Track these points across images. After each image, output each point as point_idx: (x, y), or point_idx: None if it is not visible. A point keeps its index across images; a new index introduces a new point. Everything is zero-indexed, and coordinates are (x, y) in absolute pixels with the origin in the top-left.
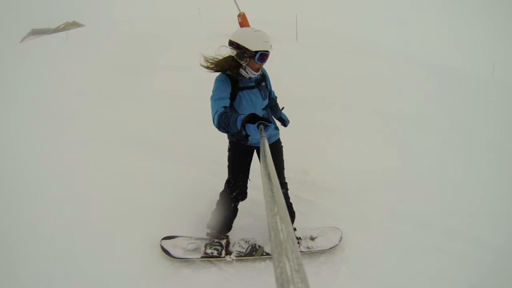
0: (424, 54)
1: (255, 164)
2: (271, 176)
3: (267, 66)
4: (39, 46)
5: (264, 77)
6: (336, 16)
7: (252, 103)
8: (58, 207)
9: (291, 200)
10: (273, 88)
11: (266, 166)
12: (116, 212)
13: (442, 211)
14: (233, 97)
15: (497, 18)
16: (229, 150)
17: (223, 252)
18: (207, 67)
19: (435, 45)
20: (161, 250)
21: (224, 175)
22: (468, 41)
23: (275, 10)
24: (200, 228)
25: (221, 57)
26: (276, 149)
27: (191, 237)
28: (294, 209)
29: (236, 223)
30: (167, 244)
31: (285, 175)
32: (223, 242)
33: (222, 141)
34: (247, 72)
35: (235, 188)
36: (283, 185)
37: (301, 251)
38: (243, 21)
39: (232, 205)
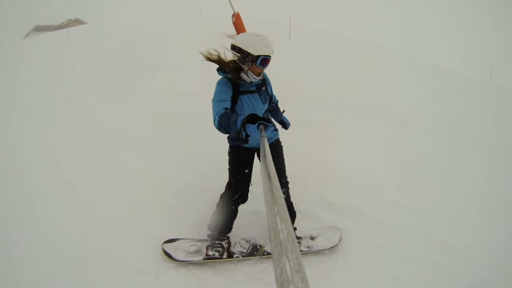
0: (422, 55)
1: (256, 167)
2: (271, 176)
3: (267, 70)
4: (41, 43)
5: (264, 82)
6: (332, 16)
7: (253, 107)
8: (58, 207)
9: (291, 199)
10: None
11: (266, 166)
12: (116, 213)
13: (441, 212)
14: (234, 101)
15: (495, 21)
16: (229, 153)
17: (225, 253)
18: (209, 57)
19: (433, 47)
20: (163, 253)
21: (225, 176)
22: (467, 44)
23: (269, 9)
24: (201, 229)
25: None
26: (276, 148)
27: (192, 239)
28: (295, 209)
29: (236, 223)
30: (169, 248)
31: (286, 175)
32: (224, 243)
33: (222, 142)
34: (248, 76)
35: (236, 191)
36: (284, 185)
37: (301, 251)
38: (237, 21)
39: (233, 207)
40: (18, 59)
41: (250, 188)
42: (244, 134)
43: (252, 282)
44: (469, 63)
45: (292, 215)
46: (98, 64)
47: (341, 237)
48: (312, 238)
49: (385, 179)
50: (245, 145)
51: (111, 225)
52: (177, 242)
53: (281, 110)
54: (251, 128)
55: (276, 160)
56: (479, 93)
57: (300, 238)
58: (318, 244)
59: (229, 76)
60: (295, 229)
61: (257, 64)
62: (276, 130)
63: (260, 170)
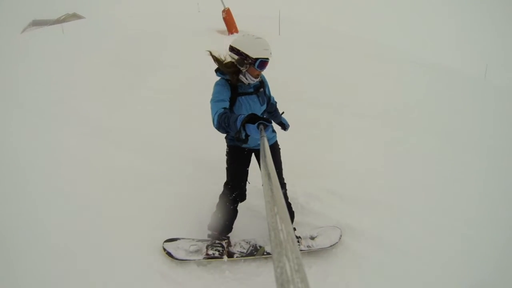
0: (420, 53)
1: (255, 166)
2: (271, 176)
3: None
4: (38, 38)
5: (262, 83)
6: (324, 12)
7: (251, 109)
8: (58, 207)
9: (289, 200)
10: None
11: (266, 166)
12: (116, 214)
13: (441, 211)
14: (232, 102)
15: (492, 20)
16: (227, 153)
17: (225, 253)
18: (213, 55)
19: (432, 45)
20: (163, 252)
21: (224, 177)
22: (463, 42)
23: (261, 5)
24: (201, 230)
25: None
26: (274, 151)
27: (192, 239)
28: (293, 209)
29: (236, 223)
30: (169, 246)
31: (284, 176)
32: (224, 243)
33: (221, 142)
34: (246, 78)
35: (234, 190)
36: (282, 186)
37: (301, 250)
38: (227, 17)
39: (232, 206)
40: (17, 55)
41: (248, 186)
42: (243, 134)
43: (250, 282)
44: (466, 61)
45: (291, 215)
46: (95, 61)
47: (341, 235)
48: (312, 238)
49: (384, 177)
50: (243, 145)
51: (110, 225)
52: (178, 241)
53: (281, 112)
54: (251, 128)
55: (274, 162)
56: (476, 92)
57: (300, 237)
58: (318, 243)
59: (227, 77)
60: (294, 229)
61: (256, 67)
62: (274, 132)
63: (260, 170)
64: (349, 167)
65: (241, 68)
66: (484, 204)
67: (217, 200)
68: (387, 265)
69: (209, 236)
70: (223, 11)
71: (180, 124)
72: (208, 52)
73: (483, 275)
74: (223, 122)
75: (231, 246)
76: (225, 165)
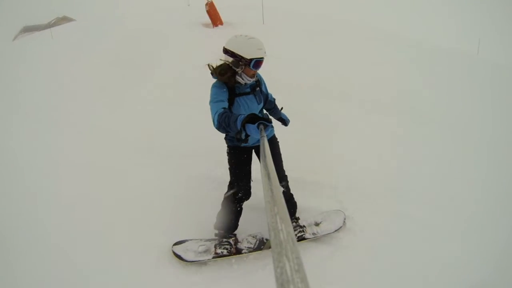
0: (408, 31)
1: (256, 163)
2: (271, 176)
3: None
4: (28, 45)
5: (258, 82)
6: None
7: (249, 108)
8: (58, 208)
9: (291, 191)
10: (269, 91)
11: (266, 166)
12: (116, 215)
13: (440, 209)
14: (230, 103)
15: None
16: (228, 153)
17: (233, 250)
18: (211, 69)
19: (420, 22)
20: (173, 255)
21: (225, 176)
22: (453, 18)
23: None
24: (208, 229)
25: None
26: (273, 144)
27: (200, 239)
28: (296, 199)
29: (242, 220)
30: (178, 249)
31: (284, 168)
32: (232, 240)
33: (222, 142)
34: (242, 79)
35: (239, 190)
36: (284, 178)
37: (307, 238)
38: (210, 10)
39: (237, 206)
40: (11, 63)
41: (252, 184)
42: (244, 134)
43: (261, 274)
44: (458, 37)
45: (293, 205)
46: (85, 63)
47: (345, 219)
48: (317, 224)
49: (385, 170)
50: (243, 145)
51: (111, 228)
52: (186, 243)
53: (280, 108)
54: (251, 128)
55: (274, 155)
56: (472, 71)
57: (304, 226)
58: (323, 229)
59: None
60: (298, 218)
61: (251, 67)
62: (272, 126)
63: (260, 169)
64: (348, 158)
65: (237, 70)
66: (484, 203)
67: (219, 199)
68: (387, 264)
69: (216, 235)
70: (206, 4)
71: (180, 123)
72: (207, 66)
73: (483, 275)
74: (223, 122)
75: (238, 242)
76: (227, 165)
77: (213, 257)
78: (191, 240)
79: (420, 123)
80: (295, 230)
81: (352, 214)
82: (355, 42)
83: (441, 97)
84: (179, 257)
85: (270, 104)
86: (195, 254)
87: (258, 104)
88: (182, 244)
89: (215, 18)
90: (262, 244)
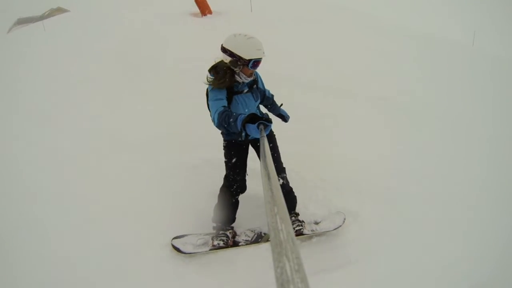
0: (402, 20)
1: (254, 158)
2: (271, 176)
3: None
4: (23, 38)
5: (255, 80)
6: None
7: (246, 105)
8: (57, 208)
9: (290, 185)
10: (266, 87)
11: (266, 167)
12: (117, 215)
13: (440, 209)
14: (228, 101)
15: None
16: (225, 147)
17: (230, 242)
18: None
19: (414, 11)
20: (172, 248)
21: (222, 170)
22: (448, 7)
23: None
24: (207, 224)
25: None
26: (270, 137)
27: (199, 234)
28: (295, 194)
29: (240, 214)
30: (177, 242)
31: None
32: (229, 233)
33: (218, 138)
34: (240, 77)
35: (234, 182)
36: (282, 170)
37: (305, 234)
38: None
39: (233, 199)
40: (6, 58)
41: (247, 177)
42: (244, 134)
43: (258, 265)
44: (451, 27)
45: (293, 199)
46: (77, 58)
47: (345, 219)
48: (317, 223)
49: (383, 168)
50: (239, 139)
51: (111, 227)
52: (185, 237)
53: (279, 104)
54: (251, 128)
55: (271, 148)
56: (468, 62)
57: (303, 221)
58: (322, 227)
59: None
60: (297, 214)
61: (249, 67)
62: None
63: (260, 168)
64: (349, 156)
65: (235, 69)
66: (485, 203)
67: (217, 192)
68: (386, 264)
69: (214, 228)
70: None
71: (179, 123)
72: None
73: (483, 275)
74: (223, 121)
75: (236, 235)
76: (223, 159)
77: (210, 249)
78: (190, 234)
79: (419, 121)
80: (293, 224)
81: (351, 213)
82: (348, 31)
83: (440, 92)
84: (177, 249)
85: (268, 101)
86: (193, 247)
87: (255, 101)
88: (181, 238)
89: (203, 7)
90: (259, 238)
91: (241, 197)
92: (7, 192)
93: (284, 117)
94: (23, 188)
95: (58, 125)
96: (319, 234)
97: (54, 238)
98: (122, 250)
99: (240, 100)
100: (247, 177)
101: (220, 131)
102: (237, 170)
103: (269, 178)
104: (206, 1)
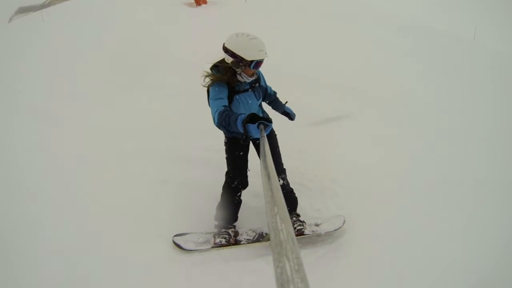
0: (401, 12)
1: (254, 156)
2: (271, 176)
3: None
4: (25, 29)
5: (257, 78)
6: None
7: (248, 105)
8: (57, 208)
9: (291, 186)
10: (268, 84)
11: (266, 167)
12: (117, 215)
13: (440, 208)
14: (229, 100)
15: None
16: (226, 143)
17: (231, 241)
18: (209, 78)
19: (414, 3)
20: (173, 245)
21: (223, 169)
22: (449, 1)
23: None
24: (208, 223)
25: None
26: (271, 137)
27: (201, 232)
28: (296, 195)
29: (242, 215)
30: (179, 240)
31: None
32: (231, 231)
33: (219, 136)
34: (242, 77)
35: (235, 178)
36: (283, 171)
37: (306, 234)
38: None
39: (235, 195)
40: (7, 49)
41: (249, 173)
42: (244, 136)
43: (259, 264)
44: (453, 21)
45: (294, 200)
46: (74, 51)
47: (344, 221)
48: (317, 225)
49: (385, 169)
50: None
51: (112, 226)
52: (187, 235)
53: (284, 102)
54: (251, 128)
55: (272, 149)
56: (469, 58)
57: (304, 222)
58: (323, 228)
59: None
60: (298, 215)
61: (251, 68)
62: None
63: (258, 157)
64: (349, 157)
65: (237, 70)
66: (485, 203)
67: (218, 196)
68: (386, 264)
69: (216, 226)
70: None
71: (179, 122)
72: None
73: (483, 275)
74: (223, 121)
75: (238, 235)
76: (223, 157)
77: (212, 247)
78: (192, 233)
79: (419, 121)
80: (294, 224)
81: (351, 213)
82: (344, 21)
83: (441, 91)
84: (178, 246)
85: (270, 98)
86: (194, 245)
87: (257, 100)
88: (183, 236)
89: None
90: (261, 237)
91: (243, 197)
92: (7, 192)
93: (289, 115)
94: (23, 188)
95: (58, 124)
96: (319, 235)
97: (54, 238)
98: (122, 250)
99: (241, 100)
100: (249, 174)
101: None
102: (238, 166)
103: (269, 178)
104: None
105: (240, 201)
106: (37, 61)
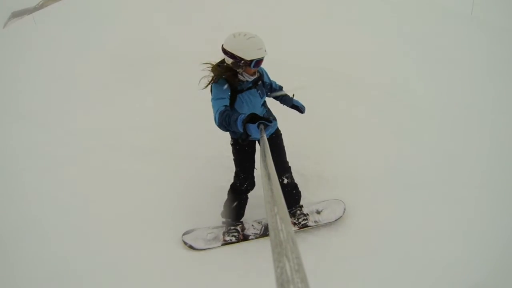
0: None
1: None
2: (271, 176)
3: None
4: (15, 34)
5: (260, 75)
6: None
7: (252, 103)
8: (57, 208)
9: (295, 181)
10: (272, 78)
11: (266, 167)
12: (117, 214)
13: (440, 208)
14: (233, 100)
15: None
16: (232, 145)
17: (241, 237)
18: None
19: None
20: (184, 245)
21: (224, 165)
22: None
23: None
24: (214, 217)
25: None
26: (276, 136)
27: (208, 227)
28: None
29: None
30: (188, 238)
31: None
32: (239, 228)
33: (222, 139)
34: (243, 77)
35: (245, 180)
36: (287, 169)
37: (309, 226)
38: None
39: (244, 196)
40: (4, 55)
41: (256, 173)
42: (244, 137)
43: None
44: None
45: (298, 194)
46: (69, 55)
47: (344, 209)
48: (318, 212)
49: (386, 166)
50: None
51: (111, 225)
52: (195, 232)
53: (291, 95)
54: (251, 128)
55: (277, 148)
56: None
57: (307, 214)
58: (324, 217)
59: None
60: (302, 206)
61: (251, 67)
62: (275, 119)
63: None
64: (348, 150)
65: (237, 70)
66: (485, 202)
67: (220, 186)
68: (386, 264)
69: (223, 223)
70: None
71: (180, 120)
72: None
73: (483, 275)
74: (223, 121)
75: (245, 229)
76: (231, 157)
77: (222, 244)
78: (199, 228)
79: (419, 115)
80: (299, 218)
81: (351, 210)
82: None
83: (437, 78)
84: (190, 246)
85: (275, 92)
86: (204, 242)
87: (261, 97)
88: (191, 233)
89: None
90: (267, 230)
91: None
92: (7, 193)
93: (299, 108)
94: (23, 188)
95: (58, 124)
96: (322, 225)
97: (54, 238)
98: (122, 249)
99: (244, 98)
100: (255, 172)
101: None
102: (246, 167)
103: (269, 178)
104: None
105: (247, 198)
106: (34, 65)
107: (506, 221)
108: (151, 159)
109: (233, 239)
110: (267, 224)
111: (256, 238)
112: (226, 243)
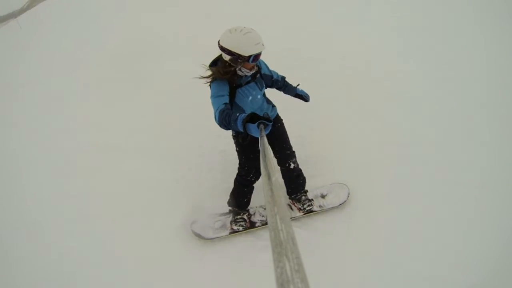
0: None
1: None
2: (271, 176)
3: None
4: (10, 35)
5: (258, 68)
6: None
7: (252, 96)
8: (57, 208)
9: (300, 166)
10: (272, 69)
11: (266, 167)
12: (117, 214)
13: (440, 208)
14: (233, 95)
15: None
16: (234, 137)
17: (247, 225)
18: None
19: None
20: (193, 234)
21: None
22: None
23: None
24: (220, 204)
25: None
26: (278, 124)
27: (215, 214)
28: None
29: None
30: (197, 228)
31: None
32: (245, 216)
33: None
34: (242, 72)
35: (250, 171)
36: (292, 155)
37: (314, 211)
38: None
39: (249, 185)
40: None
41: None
42: (243, 137)
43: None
44: None
45: (303, 180)
46: (57, 59)
47: (349, 193)
48: (323, 196)
49: (383, 168)
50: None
51: (111, 225)
52: (202, 220)
53: (295, 84)
54: (251, 128)
55: (280, 134)
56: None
57: (312, 200)
58: (329, 202)
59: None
60: (306, 191)
61: (249, 62)
62: (274, 106)
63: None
64: (348, 144)
65: (236, 66)
66: (485, 202)
67: (224, 174)
68: (385, 264)
69: (230, 211)
70: None
71: (180, 120)
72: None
73: (483, 275)
74: (224, 120)
75: (251, 215)
76: (235, 154)
77: (230, 233)
78: (205, 217)
79: (420, 111)
80: (304, 204)
81: (350, 211)
82: None
83: (441, 81)
84: (198, 235)
85: (277, 84)
86: (213, 231)
87: (261, 90)
88: (199, 222)
89: None
90: None
91: None
92: (6, 193)
93: (303, 97)
94: (22, 188)
95: (58, 125)
96: (326, 210)
97: (54, 239)
98: (122, 249)
99: (244, 93)
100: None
101: None
102: (251, 158)
103: (269, 178)
104: None
105: (253, 187)
106: (34, 66)
107: (506, 221)
108: (151, 157)
109: (241, 228)
110: None
111: (263, 225)
112: (233, 231)
